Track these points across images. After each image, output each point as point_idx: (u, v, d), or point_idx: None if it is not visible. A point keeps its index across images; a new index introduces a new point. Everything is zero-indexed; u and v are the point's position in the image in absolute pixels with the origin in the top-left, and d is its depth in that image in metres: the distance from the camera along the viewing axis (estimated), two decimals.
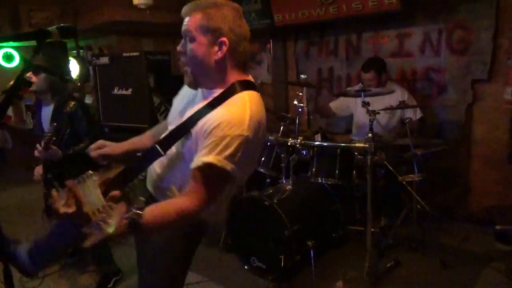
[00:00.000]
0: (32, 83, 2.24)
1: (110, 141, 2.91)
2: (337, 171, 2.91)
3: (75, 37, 1.34)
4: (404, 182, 2.85)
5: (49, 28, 1.29)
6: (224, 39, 1.31)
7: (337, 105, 3.70)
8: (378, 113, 2.63)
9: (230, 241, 3.16)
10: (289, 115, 3.16)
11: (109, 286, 2.85)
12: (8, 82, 2.49)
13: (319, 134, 3.01)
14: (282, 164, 3.08)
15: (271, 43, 4.83)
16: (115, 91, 4.26)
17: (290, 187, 3.01)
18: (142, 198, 1.36)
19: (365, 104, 2.68)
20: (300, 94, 2.90)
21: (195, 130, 1.33)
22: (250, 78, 1.45)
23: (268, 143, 3.18)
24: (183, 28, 1.35)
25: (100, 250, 2.79)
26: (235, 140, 1.23)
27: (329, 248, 3.13)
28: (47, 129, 2.36)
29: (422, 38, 3.66)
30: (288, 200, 2.89)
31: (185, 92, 1.54)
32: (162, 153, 1.37)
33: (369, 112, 2.59)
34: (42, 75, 2.53)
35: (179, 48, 1.38)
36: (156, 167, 1.50)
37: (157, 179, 1.51)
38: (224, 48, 1.32)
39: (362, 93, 2.71)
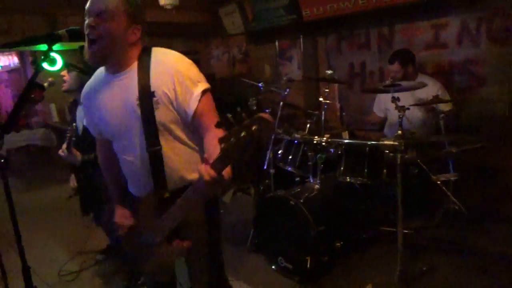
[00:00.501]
0: (44, 87, 2.31)
1: None
2: (366, 170, 2.78)
3: (83, 40, 1.35)
4: (438, 182, 2.68)
5: (59, 31, 1.32)
6: (139, 26, 1.44)
7: (377, 108, 3.56)
8: (408, 108, 2.48)
9: (257, 240, 3.13)
10: (316, 112, 3.07)
11: (140, 282, 2.91)
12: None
13: (347, 132, 2.89)
14: (309, 163, 3.00)
15: (301, 39, 4.74)
16: None
17: (317, 186, 2.93)
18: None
19: (395, 100, 2.54)
20: (327, 90, 2.80)
21: (159, 98, 1.41)
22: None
23: (295, 141, 3.11)
24: (98, 5, 1.36)
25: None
26: (192, 68, 1.46)
27: (358, 249, 3.01)
28: (67, 130, 2.41)
29: (459, 28, 3.45)
30: (314, 199, 2.81)
31: (93, 101, 1.57)
32: (158, 147, 1.45)
33: (398, 107, 2.45)
34: (74, 73, 2.60)
35: (91, 22, 1.36)
36: (169, 161, 1.50)
37: (171, 169, 1.50)
38: (138, 33, 1.44)
39: (392, 88, 2.57)
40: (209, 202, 1.59)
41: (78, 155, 2.51)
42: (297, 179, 3.31)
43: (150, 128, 1.44)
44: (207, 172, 1.20)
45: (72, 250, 3.54)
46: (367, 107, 4.29)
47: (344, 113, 4.58)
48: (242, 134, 1.11)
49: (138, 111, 1.43)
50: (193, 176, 1.48)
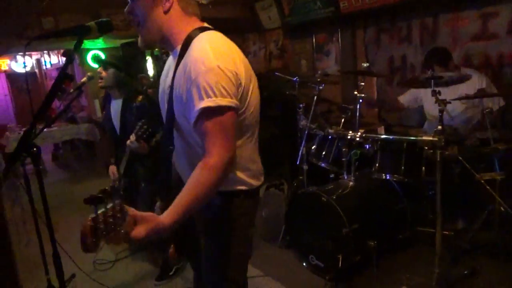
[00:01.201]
0: (74, 77, 2.39)
1: None
2: (403, 167, 2.66)
3: (111, 31, 1.37)
4: (482, 181, 2.51)
5: (88, 24, 1.34)
6: None
7: (406, 97, 3.41)
8: (449, 102, 2.33)
9: (289, 237, 3.09)
10: (350, 107, 2.97)
11: (171, 273, 2.96)
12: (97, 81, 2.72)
13: (382, 127, 2.78)
14: (343, 159, 2.91)
15: (339, 32, 4.62)
16: None
17: (352, 183, 2.85)
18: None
19: (435, 93, 2.40)
20: (362, 84, 2.70)
21: (175, 94, 1.32)
22: (206, 25, 1.41)
23: (330, 137, 3.03)
24: None
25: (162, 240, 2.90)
26: (208, 75, 1.20)
27: (394, 250, 2.89)
28: (140, 122, 2.44)
29: (510, 17, 3.20)
30: (348, 196, 2.74)
31: (166, 67, 1.51)
32: (171, 147, 1.39)
33: (438, 101, 2.31)
34: (111, 70, 2.69)
35: (126, 9, 1.34)
36: (180, 162, 1.49)
37: (186, 169, 1.47)
38: (170, 0, 1.31)
39: (432, 81, 2.43)
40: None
41: (146, 145, 2.57)
42: (332, 175, 3.24)
43: (168, 123, 1.39)
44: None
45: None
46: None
47: (382, 109, 4.45)
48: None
49: (167, 100, 1.39)
50: None
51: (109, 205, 0.97)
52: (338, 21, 4.41)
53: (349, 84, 4.67)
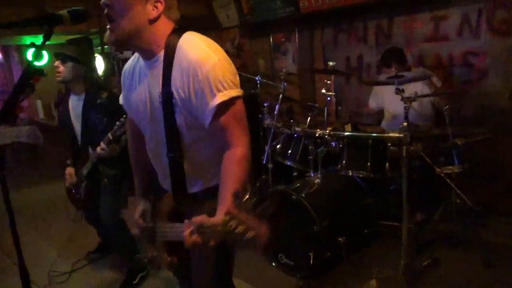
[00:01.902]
0: (44, 71, 2.21)
1: None
2: (369, 163, 2.73)
3: (87, 21, 1.25)
4: (442, 174, 2.64)
5: (60, 12, 1.21)
6: None
7: (373, 100, 3.52)
8: (414, 100, 2.43)
9: None
10: (316, 105, 3.01)
11: (135, 282, 2.81)
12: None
13: (349, 125, 2.83)
14: (310, 157, 2.93)
15: (296, 32, 4.66)
16: None
17: (318, 180, 2.86)
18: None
19: (399, 91, 2.48)
20: (328, 82, 2.74)
21: (177, 101, 1.27)
22: (178, 27, 1.36)
23: (295, 135, 3.04)
24: None
25: (126, 245, 2.75)
26: (214, 71, 1.21)
27: (361, 245, 2.96)
28: (116, 125, 2.33)
29: (459, 19, 3.41)
30: (316, 194, 2.75)
31: (127, 81, 1.49)
32: (177, 153, 1.34)
33: (404, 99, 2.40)
34: (69, 64, 2.49)
35: (104, 0, 1.24)
36: (189, 164, 1.40)
37: (193, 173, 1.40)
38: (160, 7, 1.26)
39: (396, 80, 2.52)
40: None
41: (117, 146, 2.45)
42: (295, 173, 3.25)
43: (171, 131, 1.32)
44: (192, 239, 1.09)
45: (63, 249, 3.42)
46: (363, 100, 4.25)
47: (340, 107, 4.56)
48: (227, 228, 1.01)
49: (160, 107, 1.31)
50: (215, 179, 1.36)
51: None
52: (296, 21, 4.45)
53: (307, 83, 4.74)
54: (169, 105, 1.28)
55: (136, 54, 1.45)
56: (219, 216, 1.08)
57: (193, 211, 1.25)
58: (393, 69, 3.02)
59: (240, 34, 5.35)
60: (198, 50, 1.24)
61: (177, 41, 1.27)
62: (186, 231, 1.10)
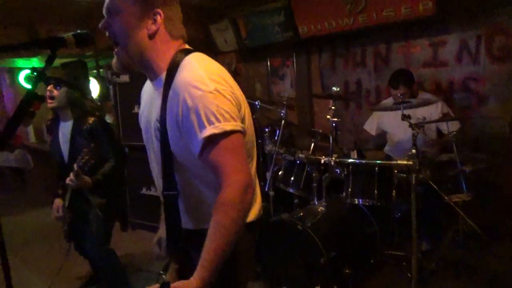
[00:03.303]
0: (45, 98, 2.13)
1: (130, 160, 2.70)
2: (375, 191, 2.65)
3: (92, 44, 1.18)
4: (451, 203, 2.57)
5: (64, 35, 1.13)
6: (158, 10, 1.17)
7: (371, 125, 3.47)
8: (423, 126, 2.38)
9: (259, 268, 2.92)
10: (320, 131, 2.94)
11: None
12: None
13: (355, 151, 2.77)
14: (314, 184, 2.85)
15: (294, 57, 4.66)
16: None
17: (323, 208, 2.77)
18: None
19: (406, 118, 2.44)
20: (333, 108, 2.68)
21: (170, 127, 1.17)
22: (189, 47, 1.28)
23: (298, 162, 2.96)
24: (105, 5, 1.18)
25: (115, 278, 2.60)
26: (207, 100, 1.09)
27: (367, 275, 2.85)
28: (80, 155, 2.23)
29: (458, 45, 3.43)
30: (322, 223, 2.65)
31: (142, 101, 1.39)
32: (175, 192, 1.20)
33: (412, 126, 2.35)
34: (63, 89, 2.41)
35: (101, 24, 1.18)
36: (183, 200, 1.28)
37: (190, 209, 1.30)
38: (159, 19, 1.17)
39: (402, 106, 2.47)
40: None
41: (88, 180, 2.34)
42: (296, 201, 3.16)
43: (166, 165, 1.20)
44: None
45: (51, 279, 3.23)
46: (362, 126, 4.22)
47: (338, 132, 4.51)
48: None
49: (155, 135, 1.24)
50: (202, 219, 1.24)
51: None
52: (293, 45, 4.45)
53: (305, 108, 4.70)
54: (164, 133, 1.17)
55: None
56: (193, 280, 1.02)
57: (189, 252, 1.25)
58: (400, 91, 3.01)
59: (237, 58, 5.34)
60: (193, 75, 1.12)
61: (181, 63, 1.18)
62: None
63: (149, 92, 1.33)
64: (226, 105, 1.11)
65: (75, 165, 2.26)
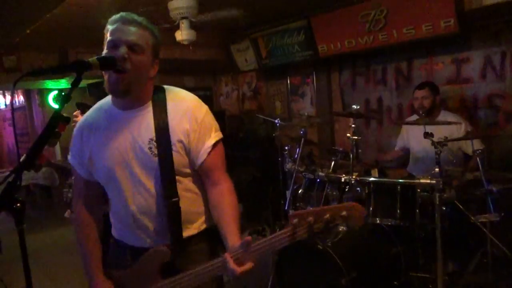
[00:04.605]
0: (71, 119, 2.20)
1: None
2: (398, 211, 2.59)
3: (115, 68, 1.23)
4: (478, 223, 2.48)
5: (89, 59, 1.18)
6: (157, 61, 1.42)
7: (400, 144, 3.43)
8: (446, 144, 2.33)
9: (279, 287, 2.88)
10: (340, 149, 2.92)
11: None
12: None
13: (376, 170, 2.73)
14: (334, 203, 2.81)
15: (314, 75, 4.68)
16: None
17: (344, 228, 2.72)
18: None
19: (428, 135, 2.40)
20: (353, 126, 2.67)
21: (174, 142, 1.35)
22: None
23: (318, 180, 2.94)
24: (133, 38, 1.30)
25: None
26: (208, 115, 1.43)
27: None
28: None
29: (482, 62, 3.37)
30: (343, 243, 2.60)
31: (90, 135, 1.45)
32: (176, 199, 1.36)
33: (434, 144, 2.30)
34: None
35: (124, 53, 1.28)
36: (184, 209, 1.41)
37: (188, 217, 1.43)
38: (156, 67, 1.41)
39: (424, 123, 2.44)
40: None
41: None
42: None
43: (168, 174, 1.35)
44: (241, 270, 1.18)
45: None
46: (383, 143, 4.16)
47: (360, 150, 4.46)
48: (326, 216, 1.08)
49: (151, 153, 1.34)
50: (199, 222, 1.47)
51: None
52: (313, 63, 4.47)
53: (325, 126, 4.69)
54: (167, 146, 1.34)
55: (97, 106, 1.49)
56: (236, 241, 1.23)
57: (189, 255, 1.37)
58: (424, 92, 3.02)
59: (257, 77, 5.40)
60: (190, 98, 1.44)
61: (163, 91, 1.43)
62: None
63: (105, 124, 1.41)
64: (213, 118, 1.45)
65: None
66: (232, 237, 1.26)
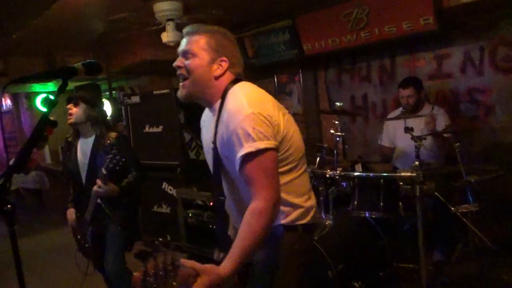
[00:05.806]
0: (57, 123, 2.22)
1: (143, 179, 2.74)
2: (381, 203, 2.68)
3: (100, 73, 1.28)
4: (458, 213, 2.57)
5: (75, 65, 1.23)
6: (224, 58, 1.43)
7: (386, 139, 3.49)
8: (425, 138, 2.42)
9: None
10: (325, 145, 2.99)
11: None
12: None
13: (359, 164, 2.81)
14: (321, 198, 2.88)
15: (301, 73, 4.75)
16: (147, 129, 4.25)
17: (330, 222, 2.79)
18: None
19: (408, 130, 2.48)
20: (337, 122, 2.74)
21: (220, 147, 1.43)
22: (238, 77, 1.51)
23: None
24: (184, 47, 1.44)
25: None
26: (245, 122, 1.30)
27: None
28: (108, 158, 2.25)
29: (462, 57, 3.47)
30: (329, 237, 2.67)
31: (202, 127, 1.66)
32: (221, 197, 1.48)
33: (414, 138, 2.39)
34: (82, 105, 2.50)
35: (177, 63, 1.45)
36: (232, 209, 1.55)
37: (240, 211, 1.47)
38: (225, 65, 1.43)
39: (405, 119, 2.52)
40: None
41: (116, 187, 2.40)
42: None
43: (217, 175, 1.47)
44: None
45: None
46: (370, 139, 4.24)
47: (346, 146, 4.54)
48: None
49: (211, 152, 1.48)
50: None
51: (160, 258, 1.01)
52: (300, 62, 4.54)
53: (313, 123, 4.76)
54: (216, 150, 1.43)
55: None
56: (222, 268, 1.22)
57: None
58: (409, 91, 3.07)
59: (244, 76, 5.44)
60: (235, 102, 1.37)
61: (228, 92, 1.43)
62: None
63: (208, 118, 1.57)
64: (260, 126, 1.31)
65: (103, 169, 2.28)
66: (225, 260, 1.26)
